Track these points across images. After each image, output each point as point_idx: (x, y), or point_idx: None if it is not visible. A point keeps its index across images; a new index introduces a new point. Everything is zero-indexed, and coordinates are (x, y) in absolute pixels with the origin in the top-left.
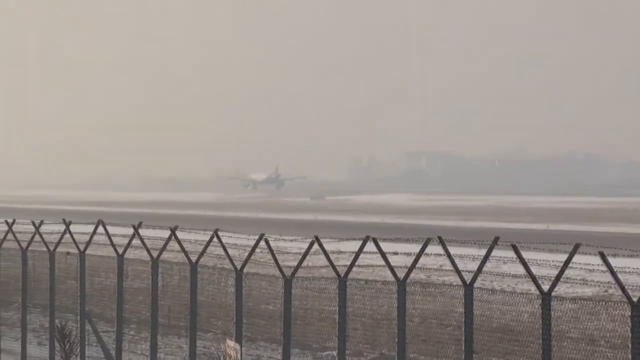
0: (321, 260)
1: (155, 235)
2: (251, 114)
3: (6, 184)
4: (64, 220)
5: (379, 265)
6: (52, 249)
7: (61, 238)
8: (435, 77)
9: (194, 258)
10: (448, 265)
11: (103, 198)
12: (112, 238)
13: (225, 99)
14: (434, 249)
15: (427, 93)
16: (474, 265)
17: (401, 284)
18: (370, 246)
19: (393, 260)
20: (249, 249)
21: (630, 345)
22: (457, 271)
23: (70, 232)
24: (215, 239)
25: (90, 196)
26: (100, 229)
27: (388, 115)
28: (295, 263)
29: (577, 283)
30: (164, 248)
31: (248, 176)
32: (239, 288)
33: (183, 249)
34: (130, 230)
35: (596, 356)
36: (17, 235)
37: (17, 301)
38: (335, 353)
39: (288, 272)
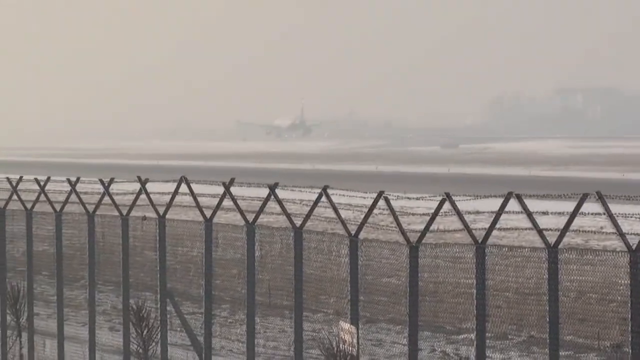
0: (455, 222)
1: (248, 194)
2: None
3: (68, 135)
4: (139, 178)
5: (526, 228)
6: (124, 213)
7: (136, 199)
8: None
9: (297, 222)
10: (610, 227)
11: (177, 150)
12: (198, 199)
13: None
14: (591, 206)
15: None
16: None
17: (552, 250)
18: (514, 204)
19: (542, 222)
20: (366, 209)
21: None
22: (620, 234)
23: (146, 192)
24: (323, 199)
25: (163, 147)
26: (182, 188)
27: (531, 46)
28: (422, 227)
29: None
30: (261, 210)
31: (271, 122)
32: (354, 258)
33: (285, 211)
34: (217, 189)
35: None
36: (83, 197)
37: (84, 277)
38: (473, 336)
39: (414, 238)
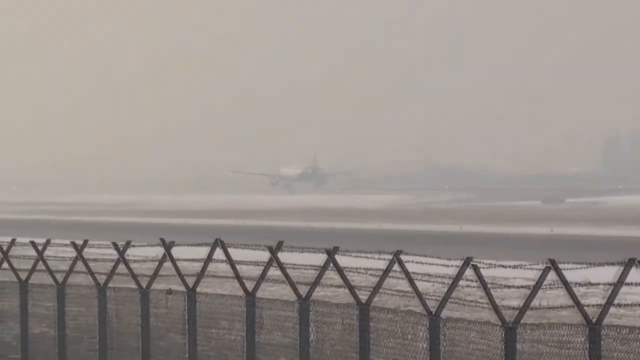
0: (561, 297)
1: (299, 261)
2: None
3: (61, 186)
4: (162, 241)
5: None
6: (144, 285)
7: (158, 268)
8: None
9: (363, 297)
10: None
11: (189, 205)
12: (237, 267)
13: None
14: None
15: None
16: None
17: None
18: (635, 274)
19: None
20: (449, 281)
21: None
22: None
23: (171, 258)
24: (395, 267)
25: (167, 202)
26: (217, 254)
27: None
28: (520, 303)
29: None
30: (317, 281)
31: (276, 171)
32: (434, 342)
33: (347, 283)
34: (260, 255)
35: None
36: (92, 265)
37: None
38: None
39: (509, 317)
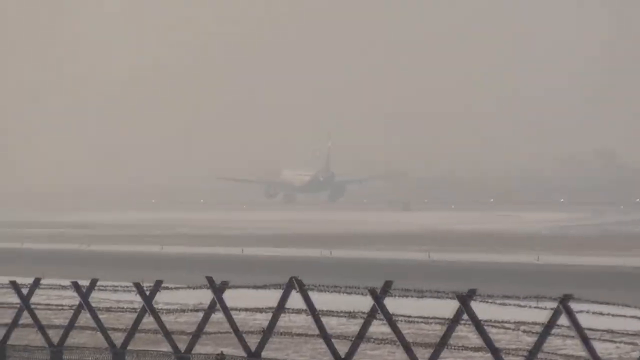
0: None
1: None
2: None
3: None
4: (210, 281)
5: None
6: (183, 348)
7: (204, 322)
8: None
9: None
10: None
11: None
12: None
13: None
14: None
15: None
16: None
17: None
18: None
19: None
20: None
21: None
22: None
23: (224, 307)
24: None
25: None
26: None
27: None
28: None
29: None
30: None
31: (276, 177)
32: None
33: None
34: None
35: None
36: (105, 317)
37: None
38: None
39: None
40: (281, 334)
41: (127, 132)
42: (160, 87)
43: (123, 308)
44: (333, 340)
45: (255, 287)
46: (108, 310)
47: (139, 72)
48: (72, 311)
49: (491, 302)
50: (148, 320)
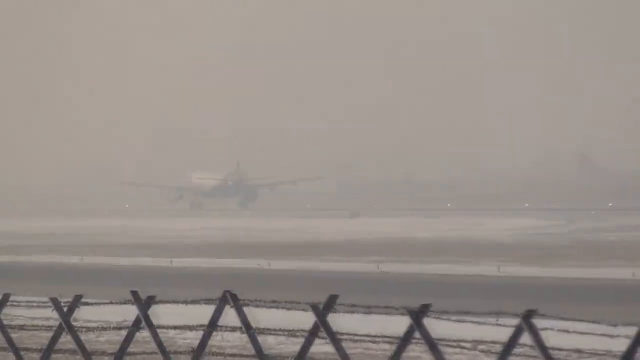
0: None
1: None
2: None
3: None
4: (135, 296)
5: None
6: None
7: (128, 341)
8: None
9: None
10: None
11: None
12: None
13: None
14: None
15: None
16: None
17: None
18: None
19: None
20: None
21: None
22: None
23: (149, 324)
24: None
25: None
26: None
27: None
28: None
29: None
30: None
31: (182, 181)
32: None
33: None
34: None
35: None
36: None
37: None
38: None
39: None
40: (213, 354)
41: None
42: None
43: (38, 326)
44: None
45: (185, 302)
46: (21, 328)
47: None
48: None
49: (446, 319)
50: (66, 339)
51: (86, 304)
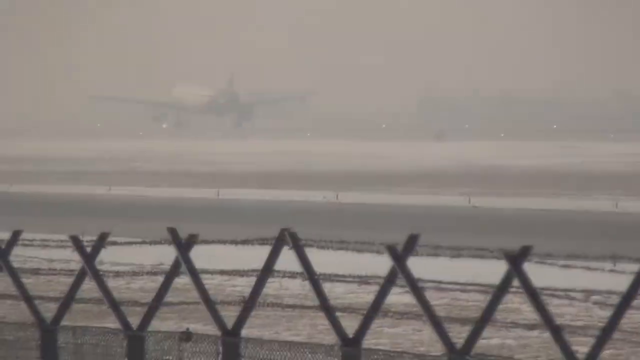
0: None
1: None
2: None
3: None
4: (172, 232)
5: None
6: (136, 324)
7: (165, 289)
8: None
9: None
10: None
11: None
12: None
13: None
14: None
15: None
16: None
17: None
18: None
19: None
20: None
21: None
22: None
23: (190, 264)
24: None
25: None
26: None
27: None
28: None
29: None
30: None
31: (166, 95)
32: None
33: None
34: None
35: None
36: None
37: None
38: None
39: None
40: (269, 305)
41: None
42: None
43: (55, 270)
44: (338, 314)
45: (234, 242)
46: (35, 272)
47: None
48: None
49: (551, 264)
50: (89, 287)
51: (114, 243)
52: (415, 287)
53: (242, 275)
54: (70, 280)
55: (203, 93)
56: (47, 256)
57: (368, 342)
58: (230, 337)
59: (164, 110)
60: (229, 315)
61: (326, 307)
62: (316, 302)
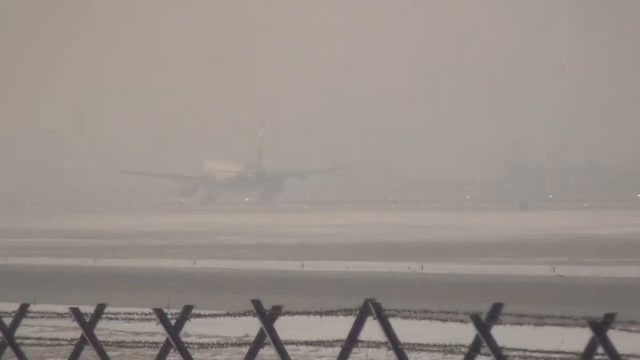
0: None
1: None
2: None
3: None
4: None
5: None
6: None
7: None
8: None
9: None
10: None
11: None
12: None
13: None
14: None
15: None
16: None
17: None
18: None
19: None
20: None
21: None
22: None
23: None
24: None
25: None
26: None
27: None
28: None
29: None
30: None
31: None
32: None
33: None
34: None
35: None
36: None
37: None
38: None
39: None
40: None
41: None
42: None
43: (140, 342)
44: None
45: (319, 313)
46: (120, 345)
47: None
48: (72, 347)
49: (636, 331)
50: (174, 359)
51: (198, 316)
52: (500, 355)
53: (326, 346)
54: (155, 352)
55: (231, 168)
56: (131, 329)
57: None
58: None
59: (196, 183)
60: None
61: None
62: None
